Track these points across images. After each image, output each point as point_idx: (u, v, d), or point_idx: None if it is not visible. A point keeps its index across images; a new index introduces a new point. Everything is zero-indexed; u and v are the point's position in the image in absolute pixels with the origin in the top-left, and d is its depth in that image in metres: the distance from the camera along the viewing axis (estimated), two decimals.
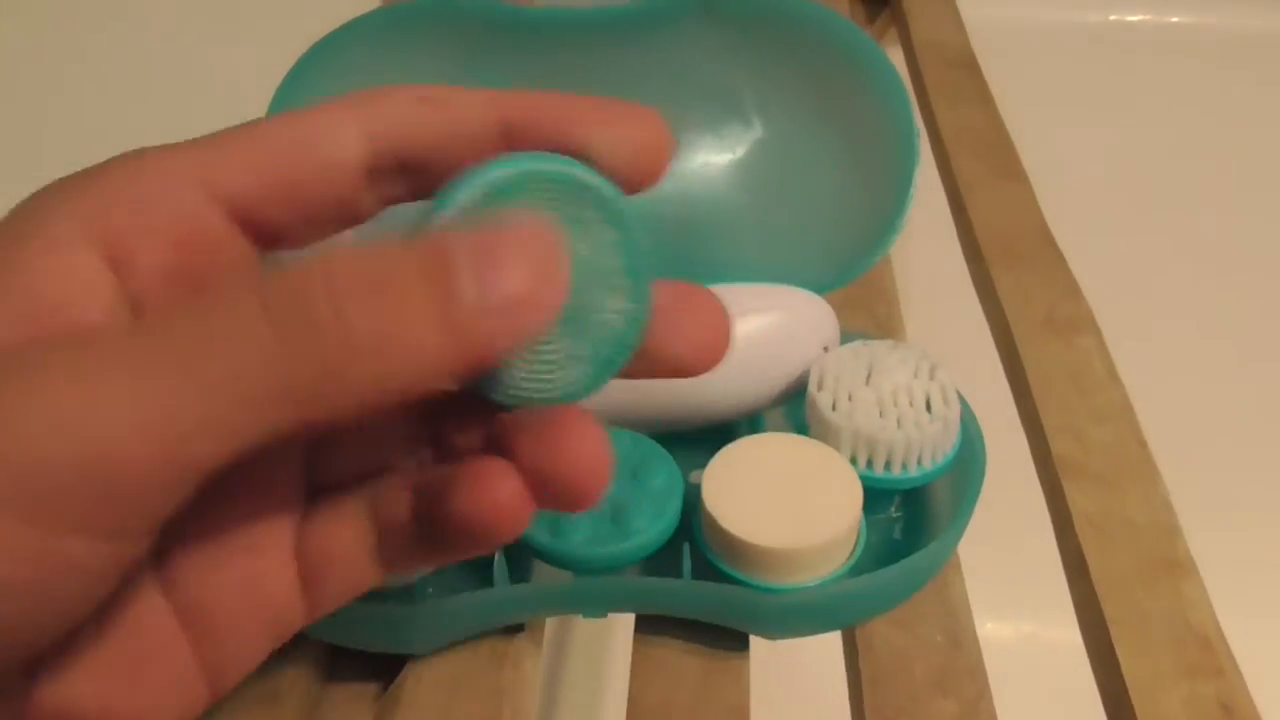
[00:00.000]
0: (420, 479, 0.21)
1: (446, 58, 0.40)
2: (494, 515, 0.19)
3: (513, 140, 0.20)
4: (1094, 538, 0.36)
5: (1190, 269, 0.79)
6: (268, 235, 0.20)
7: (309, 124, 0.20)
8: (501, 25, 0.40)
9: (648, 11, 0.40)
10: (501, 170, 0.19)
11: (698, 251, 0.41)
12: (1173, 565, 0.35)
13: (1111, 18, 0.80)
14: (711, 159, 0.41)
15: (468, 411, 0.22)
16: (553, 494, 0.20)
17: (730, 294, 0.37)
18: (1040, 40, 0.79)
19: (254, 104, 0.39)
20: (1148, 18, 0.80)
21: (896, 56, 0.67)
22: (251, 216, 0.20)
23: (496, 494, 0.19)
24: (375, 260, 0.17)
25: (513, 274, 0.17)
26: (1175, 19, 0.80)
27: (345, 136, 0.20)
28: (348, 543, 0.21)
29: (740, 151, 0.41)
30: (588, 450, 0.19)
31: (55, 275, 0.18)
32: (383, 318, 0.16)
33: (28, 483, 0.16)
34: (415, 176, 0.21)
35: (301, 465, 0.22)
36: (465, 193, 0.19)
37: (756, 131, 0.41)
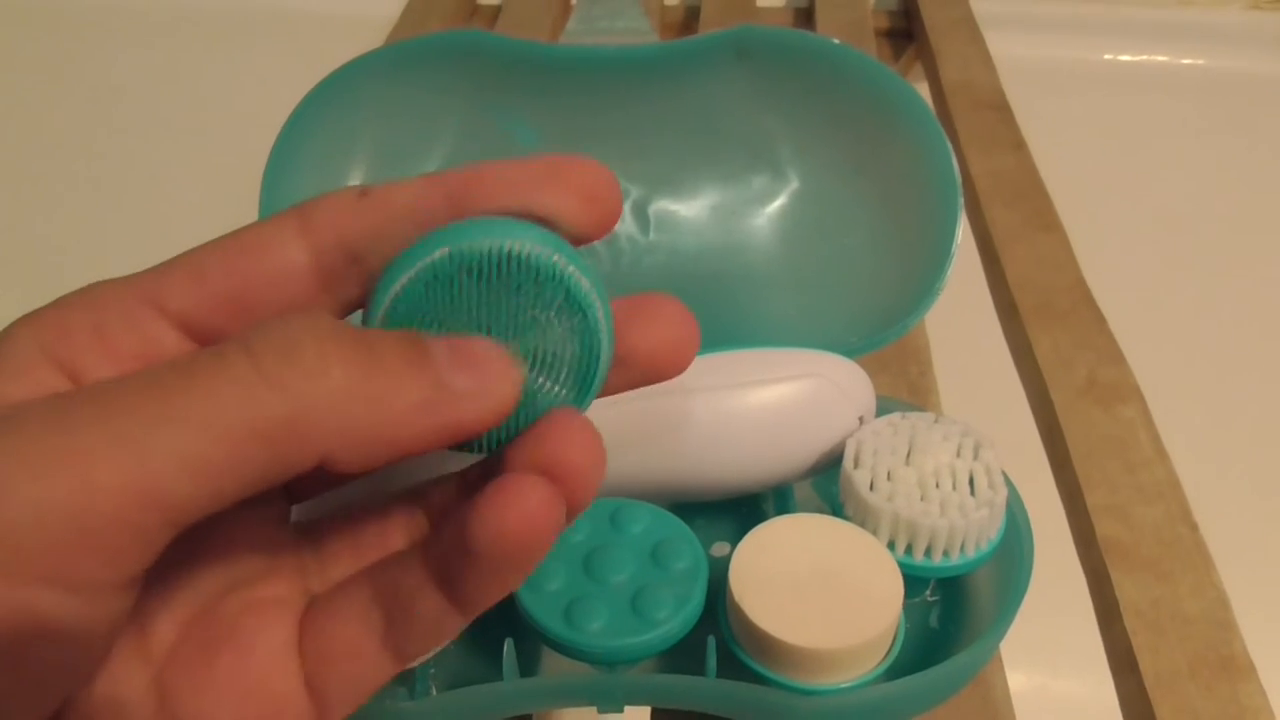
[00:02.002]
0: (430, 540, 0.20)
1: (462, 95, 0.38)
2: (527, 525, 0.18)
3: (459, 214, 0.20)
4: (1143, 632, 0.33)
5: (1235, 326, 0.76)
6: None
7: (249, 235, 0.20)
8: (520, 63, 0.38)
9: (676, 53, 0.38)
10: (425, 258, 0.19)
11: (723, 309, 0.38)
12: (1228, 664, 0.33)
13: (1124, 58, 0.78)
14: (740, 211, 0.39)
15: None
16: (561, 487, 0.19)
17: (760, 359, 0.35)
18: (1066, 79, 0.77)
19: (262, 140, 0.37)
20: (1165, 59, 0.78)
21: (922, 94, 0.65)
22: (205, 332, 0.20)
23: (526, 503, 0.18)
24: (359, 331, 0.18)
25: (479, 366, 0.19)
26: (1197, 61, 0.78)
27: (285, 240, 0.20)
28: (353, 634, 0.20)
29: (772, 203, 0.39)
30: (578, 437, 0.20)
31: (25, 393, 0.18)
32: (363, 373, 0.18)
33: None
34: (367, 271, 0.21)
35: (297, 562, 0.21)
36: (397, 282, 0.20)
37: (790, 182, 0.39)
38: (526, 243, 0.20)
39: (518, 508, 0.18)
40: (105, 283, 0.20)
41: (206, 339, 0.20)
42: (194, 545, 0.20)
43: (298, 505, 0.23)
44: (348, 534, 0.22)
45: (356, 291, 0.21)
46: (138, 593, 0.18)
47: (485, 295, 0.20)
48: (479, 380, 0.19)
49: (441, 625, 0.20)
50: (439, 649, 0.29)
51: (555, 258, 0.20)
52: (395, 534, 0.22)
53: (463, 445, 0.21)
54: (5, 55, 0.81)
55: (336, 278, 0.20)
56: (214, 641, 0.20)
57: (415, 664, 0.30)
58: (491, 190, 0.20)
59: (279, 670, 0.20)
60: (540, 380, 0.21)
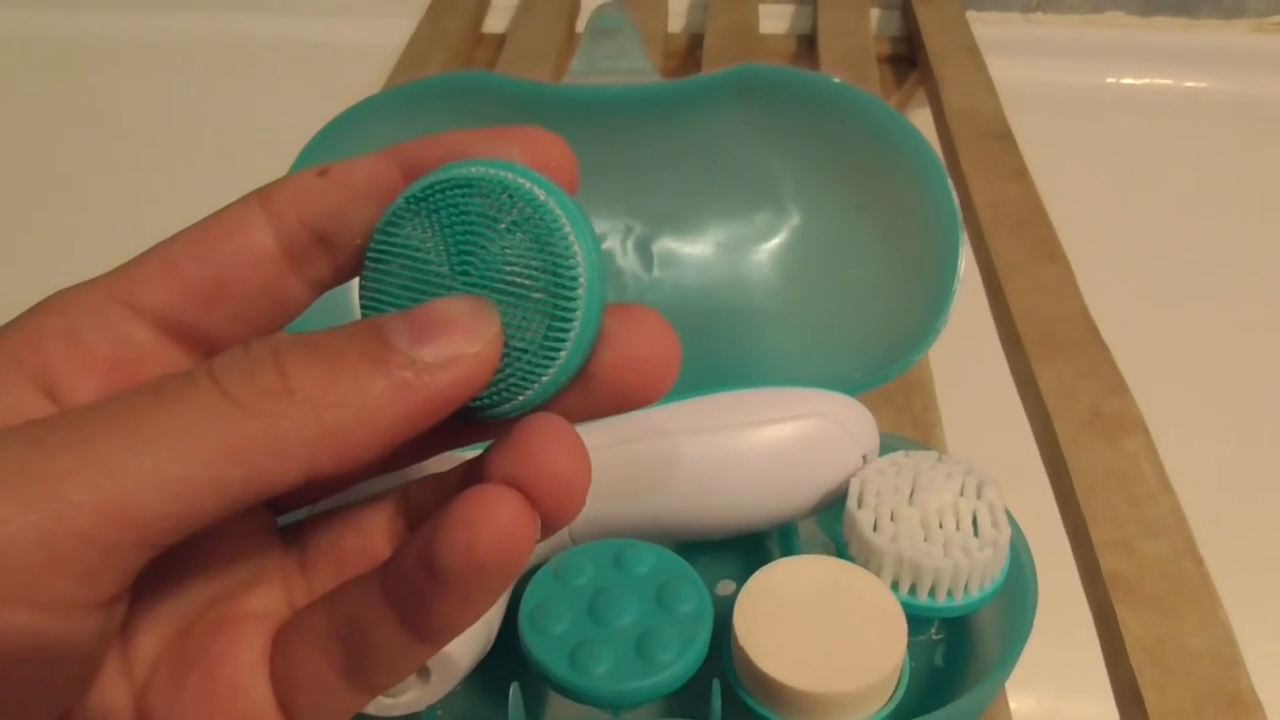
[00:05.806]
0: (389, 564, 0.19)
1: None
2: (501, 543, 0.17)
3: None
4: (1150, 669, 0.33)
5: (1241, 356, 0.76)
6: (201, 340, 0.20)
7: (214, 223, 0.20)
8: (526, 103, 0.38)
9: (679, 92, 0.38)
10: (420, 183, 0.19)
11: (726, 345, 0.39)
12: (1235, 701, 0.33)
13: (1127, 81, 0.78)
14: (743, 247, 0.39)
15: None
16: (537, 502, 0.18)
17: (763, 398, 0.35)
18: (1069, 102, 0.78)
19: (270, 171, 0.37)
20: (1169, 82, 0.78)
21: (924, 120, 0.65)
22: (178, 325, 0.20)
23: (500, 518, 0.17)
24: (315, 334, 0.18)
25: (442, 333, 0.18)
26: (1201, 84, 0.78)
27: (251, 224, 0.20)
28: (314, 664, 0.19)
29: (774, 240, 0.39)
30: (563, 442, 0.18)
31: None
32: (325, 375, 0.17)
33: None
34: (335, 249, 0.21)
35: (281, 573, 0.21)
36: (394, 205, 0.19)
37: (792, 219, 0.39)
38: (474, 167, 0.19)
39: (492, 524, 0.17)
40: (75, 286, 0.20)
41: (183, 335, 0.20)
42: (177, 558, 0.20)
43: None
44: (329, 542, 0.21)
45: (327, 272, 0.21)
46: (124, 610, 0.17)
47: (448, 230, 0.19)
48: (448, 345, 0.18)
49: (404, 657, 0.19)
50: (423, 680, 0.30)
51: (503, 174, 0.19)
52: (379, 542, 0.21)
53: (469, 416, 0.20)
54: (15, 85, 0.82)
55: (305, 259, 0.20)
56: (185, 659, 0.19)
57: (413, 710, 0.30)
58: (445, 157, 0.20)
59: (246, 690, 0.19)
60: (516, 315, 0.19)
